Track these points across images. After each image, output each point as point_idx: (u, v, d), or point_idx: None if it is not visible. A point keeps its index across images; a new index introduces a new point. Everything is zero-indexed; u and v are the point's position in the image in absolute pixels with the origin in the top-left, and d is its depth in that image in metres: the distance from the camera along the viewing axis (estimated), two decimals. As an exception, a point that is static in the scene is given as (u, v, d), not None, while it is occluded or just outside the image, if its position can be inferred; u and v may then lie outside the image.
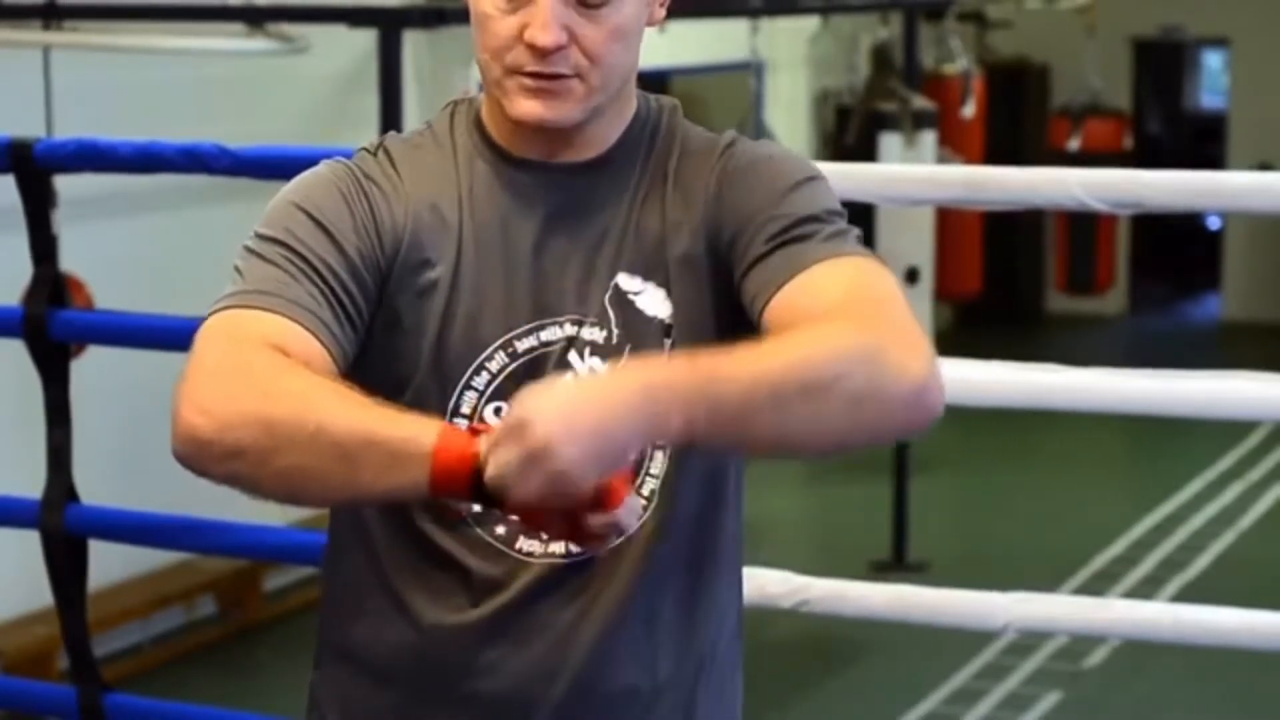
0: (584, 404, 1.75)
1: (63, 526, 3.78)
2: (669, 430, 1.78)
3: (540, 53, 1.97)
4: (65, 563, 3.80)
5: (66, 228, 3.86)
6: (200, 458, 1.85)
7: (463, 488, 1.79)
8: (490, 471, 1.76)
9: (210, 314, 1.94)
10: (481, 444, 1.78)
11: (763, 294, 1.96)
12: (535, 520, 1.83)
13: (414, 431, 1.81)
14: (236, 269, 1.99)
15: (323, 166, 2.08)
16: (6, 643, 6.49)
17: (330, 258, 1.98)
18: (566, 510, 1.78)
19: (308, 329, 1.93)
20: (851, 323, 1.85)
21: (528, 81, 1.99)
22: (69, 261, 4.03)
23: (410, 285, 2.03)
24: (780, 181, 2.04)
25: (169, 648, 7.20)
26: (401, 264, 2.03)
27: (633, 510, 1.82)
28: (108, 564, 5.41)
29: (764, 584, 3.66)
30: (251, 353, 1.87)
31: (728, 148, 2.09)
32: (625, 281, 2.06)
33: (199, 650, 7.24)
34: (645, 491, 2.05)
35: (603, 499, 1.78)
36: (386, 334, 2.04)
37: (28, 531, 3.88)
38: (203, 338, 1.91)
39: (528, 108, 2.00)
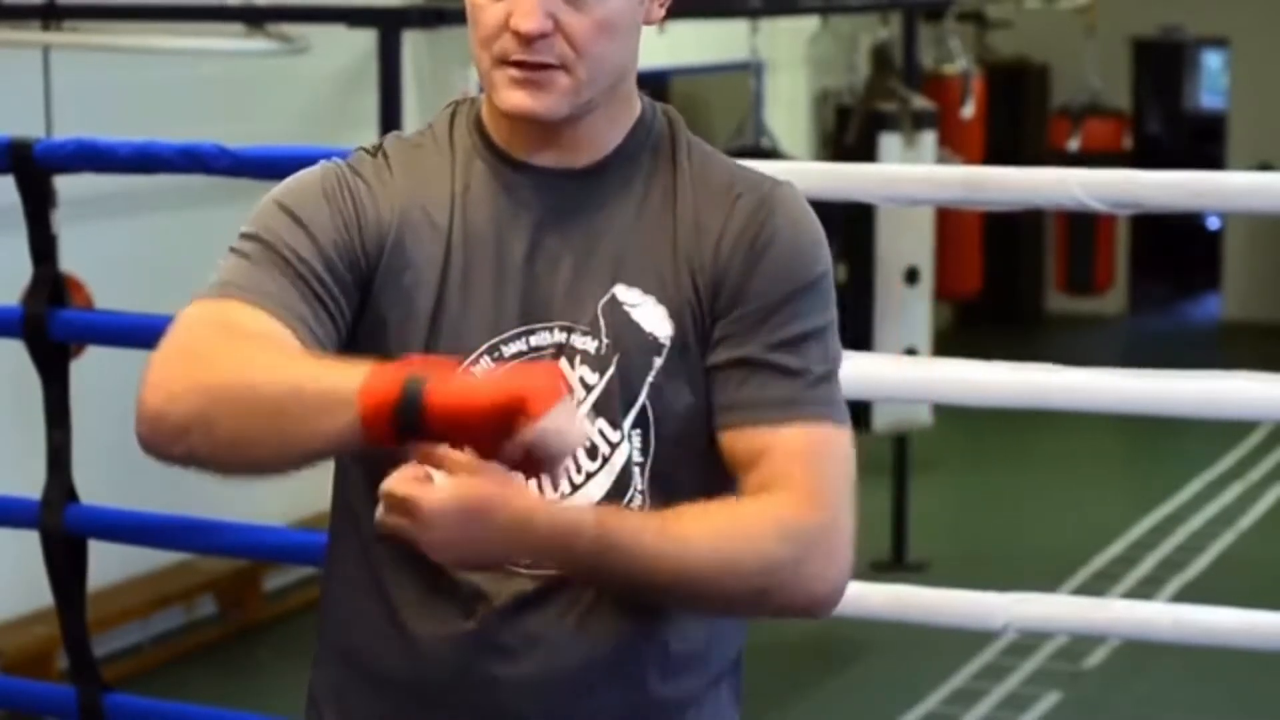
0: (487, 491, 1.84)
1: (62, 526, 3.78)
2: (548, 538, 1.88)
3: (524, 39, 1.97)
4: (65, 563, 3.80)
5: (66, 228, 3.86)
6: (155, 437, 1.88)
7: (387, 427, 1.78)
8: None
9: (222, 294, 1.97)
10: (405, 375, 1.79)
11: (733, 412, 2.01)
12: (464, 442, 1.80)
13: (341, 376, 1.81)
14: (217, 267, 2.01)
15: (313, 167, 2.09)
16: (6, 643, 6.49)
17: (303, 250, 1.99)
18: (496, 425, 1.77)
19: (276, 316, 1.94)
20: (789, 523, 1.94)
21: (514, 71, 1.99)
22: (68, 261, 4.03)
23: (395, 285, 2.03)
24: (791, 276, 2.02)
25: (169, 648, 7.20)
26: (386, 263, 2.03)
27: (565, 423, 1.79)
28: (107, 564, 5.41)
29: (764, 584, 3.65)
30: (209, 331, 1.91)
31: (746, 194, 2.05)
32: (623, 293, 2.04)
33: (199, 650, 7.24)
34: (634, 506, 2.03)
35: (524, 406, 1.76)
36: (371, 335, 2.03)
37: (27, 531, 3.88)
38: (172, 326, 1.95)
39: (514, 98, 2.00)
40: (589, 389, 2.02)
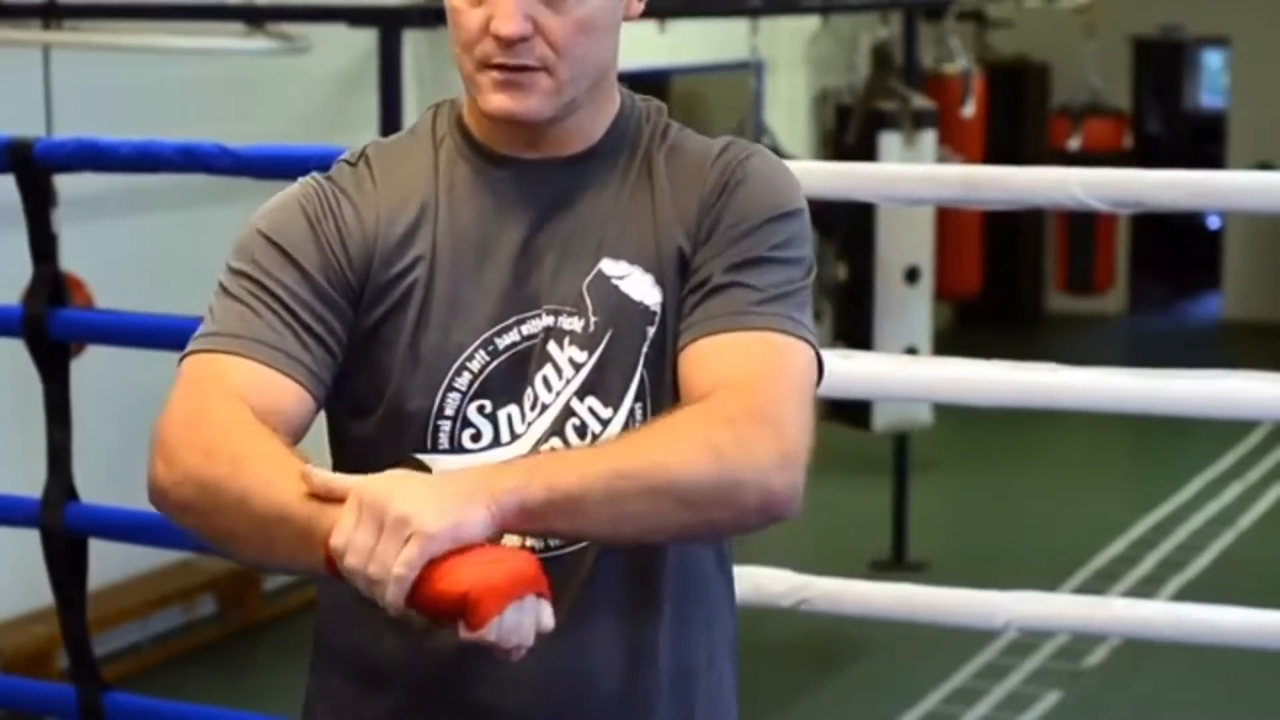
0: (416, 480, 1.81)
1: (62, 526, 3.78)
2: (504, 505, 1.80)
3: (504, 43, 1.98)
4: (65, 562, 3.80)
5: (66, 227, 3.86)
6: (162, 506, 1.94)
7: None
8: (334, 539, 1.76)
9: (185, 354, 2.00)
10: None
11: (686, 332, 2.00)
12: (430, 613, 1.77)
13: (315, 512, 1.81)
14: (209, 308, 2.02)
15: (294, 187, 2.09)
16: (6, 642, 6.49)
17: (295, 285, 2.01)
18: (443, 613, 1.74)
19: (274, 367, 1.97)
20: (724, 419, 1.88)
21: (496, 74, 2.00)
22: (69, 261, 4.03)
23: (388, 293, 2.04)
24: (760, 207, 2.04)
25: (169, 647, 7.20)
26: (376, 275, 2.04)
27: (516, 622, 1.74)
28: (107, 563, 5.41)
29: (763, 583, 3.66)
30: (213, 406, 1.93)
31: (722, 153, 2.08)
32: (609, 266, 2.05)
33: (198, 650, 7.24)
34: None
35: (468, 611, 1.73)
36: (367, 345, 2.04)
37: (27, 531, 3.88)
38: (178, 383, 1.97)
39: (497, 101, 2.01)
40: (578, 368, 2.03)
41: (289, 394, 1.97)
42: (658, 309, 2.04)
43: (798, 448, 1.91)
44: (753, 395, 1.91)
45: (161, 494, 1.92)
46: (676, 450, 1.86)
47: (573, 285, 2.04)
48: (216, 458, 1.88)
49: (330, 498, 1.80)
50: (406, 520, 1.75)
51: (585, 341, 2.03)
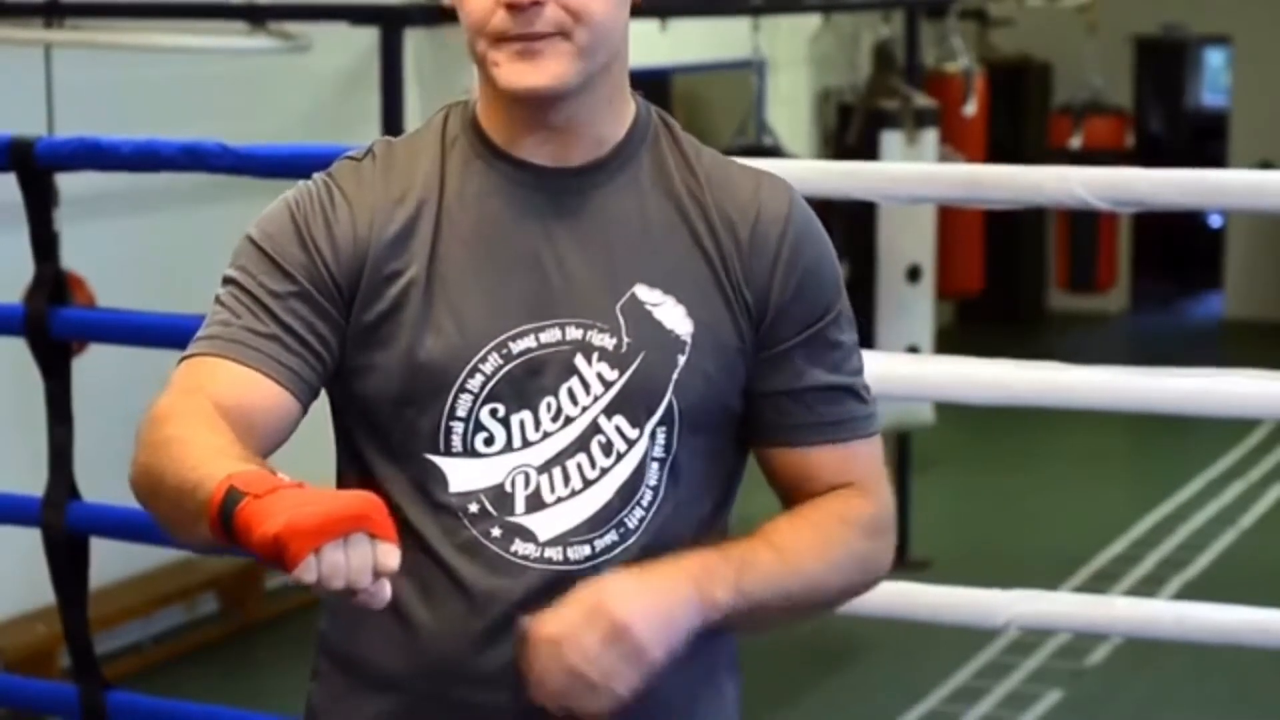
0: (650, 593, 1.95)
1: (64, 524, 3.78)
2: (711, 615, 1.99)
3: (517, 9, 1.96)
4: (66, 561, 3.80)
5: (68, 226, 3.86)
6: (136, 497, 1.95)
7: (223, 536, 1.76)
8: (572, 657, 1.91)
9: (190, 352, 2.02)
10: (226, 484, 1.75)
11: (803, 429, 2.11)
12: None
13: (201, 479, 1.78)
14: (219, 297, 2.05)
15: (291, 192, 2.09)
16: (8, 641, 6.49)
17: (276, 285, 2.01)
18: (272, 554, 1.71)
19: (250, 366, 1.98)
20: (864, 531, 2.12)
21: (512, 46, 1.98)
22: (70, 259, 4.03)
23: (385, 290, 2.03)
24: (827, 279, 2.11)
25: (170, 646, 7.21)
26: (371, 272, 2.03)
27: (339, 567, 1.70)
28: (109, 562, 5.41)
29: (765, 582, 3.65)
30: (177, 401, 1.94)
31: (763, 191, 2.09)
32: (644, 293, 2.04)
33: (200, 649, 7.25)
34: (645, 502, 2.04)
35: (282, 553, 1.69)
36: (367, 342, 2.03)
37: (29, 529, 3.88)
38: (168, 384, 1.99)
39: (515, 73, 1.98)
40: (607, 385, 2.03)
41: (263, 391, 1.98)
42: (688, 339, 2.04)
43: (894, 523, 2.19)
44: (878, 504, 2.14)
45: (131, 485, 1.94)
46: (835, 568, 2.10)
47: (605, 302, 2.03)
48: (155, 445, 1.89)
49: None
50: (629, 631, 1.91)
51: (617, 360, 2.03)
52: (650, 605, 1.92)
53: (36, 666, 6.35)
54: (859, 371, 2.14)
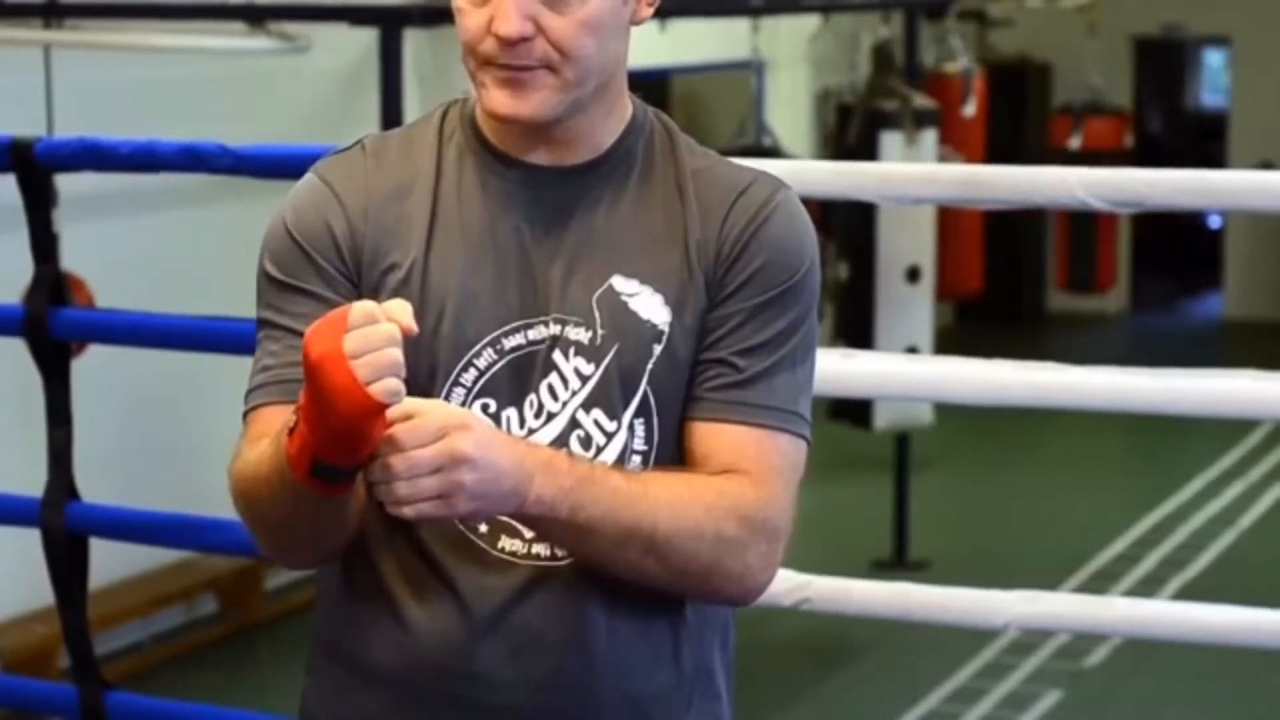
0: (500, 452, 1.88)
1: (64, 525, 3.78)
2: (527, 509, 1.93)
3: (505, 43, 1.98)
4: (66, 561, 3.80)
5: (67, 226, 3.87)
6: (264, 550, 2.09)
7: (300, 473, 1.86)
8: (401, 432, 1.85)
9: (246, 408, 2.07)
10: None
11: (708, 403, 2.05)
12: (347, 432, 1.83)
13: (270, 453, 1.91)
14: (259, 340, 2.09)
15: (285, 209, 2.10)
16: (7, 641, 6.49)
17: (301, 308, 2.04)
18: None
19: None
20: (737, 515, 2.00)
21: (498, 73, 2.00)
22: (70, 260, 4.03)
23: (382, 284, 2.05)
24: (780, 270, 2.06)
25: (170, 646, 7.21)
26: (368, 266, 2.05)
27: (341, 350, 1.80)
28: (108, 562, 5.41)
29: (765, 582, 3.65)
30: (248, 451, 2.01)
31: (747, 191, 2.08)
32: (620, 283, 2.05)
33: (200, 649, 7.25)
34: None
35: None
36: None
37: (29, 530, 3.88)
38: (236, 448, 2.05)
39: (499, 100, 2.01)
40: (585, 380, 2.04)
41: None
42: (665, 328, 2.05)
43: (780, 549, 2.05)
44: (766, 502, 2.03)
45: (257, 544, 2.07)
46: (687, 530, 1.98)
47: (582, 296, 2.05)
48: (246, 492, 1.98)
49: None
50: (459, 467, 1.85)
51: (592, 354, 2.04)
52: (491, 462, 1.87)
53: (36, 667, 6.35)
54: (793, 399, 2.07)
